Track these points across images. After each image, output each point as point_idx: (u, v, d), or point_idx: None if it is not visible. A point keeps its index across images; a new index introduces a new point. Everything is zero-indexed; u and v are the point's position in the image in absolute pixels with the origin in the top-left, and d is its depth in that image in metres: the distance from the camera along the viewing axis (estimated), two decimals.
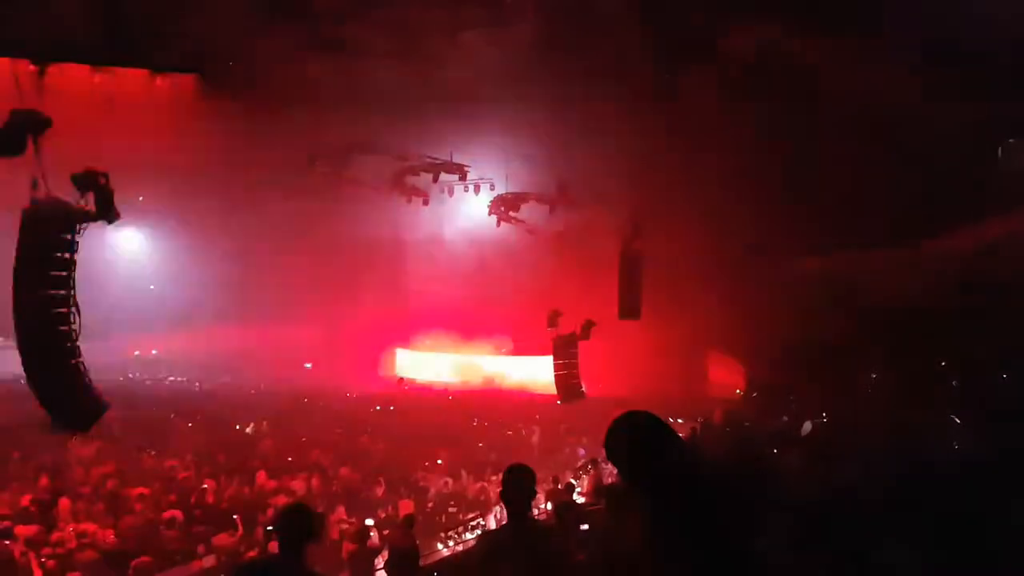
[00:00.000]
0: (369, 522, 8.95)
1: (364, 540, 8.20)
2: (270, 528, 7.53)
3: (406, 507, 10.41)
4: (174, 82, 16.02)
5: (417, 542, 8.77)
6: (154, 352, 28.75)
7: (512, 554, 3.63)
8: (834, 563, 4.38)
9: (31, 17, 9.57)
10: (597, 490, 11.48)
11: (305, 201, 22.06)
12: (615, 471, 13.21)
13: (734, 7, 13.70)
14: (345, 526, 9.60)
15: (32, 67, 12.51)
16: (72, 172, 7.51)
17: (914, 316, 14.10)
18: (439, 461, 14.61)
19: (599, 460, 13.10)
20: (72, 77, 15.07)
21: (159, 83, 16.49)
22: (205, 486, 11.14)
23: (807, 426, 13.70)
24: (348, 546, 8.43)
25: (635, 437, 2.47)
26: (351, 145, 17.14)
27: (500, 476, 11.95)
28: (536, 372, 23.91)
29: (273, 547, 5.66)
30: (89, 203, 7.47)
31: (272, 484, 11.80)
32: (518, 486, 3.82)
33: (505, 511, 4.01)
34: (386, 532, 9.16)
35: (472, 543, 9.67)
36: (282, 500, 10.34)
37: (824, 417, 13.99)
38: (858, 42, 12.87)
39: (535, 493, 3.92)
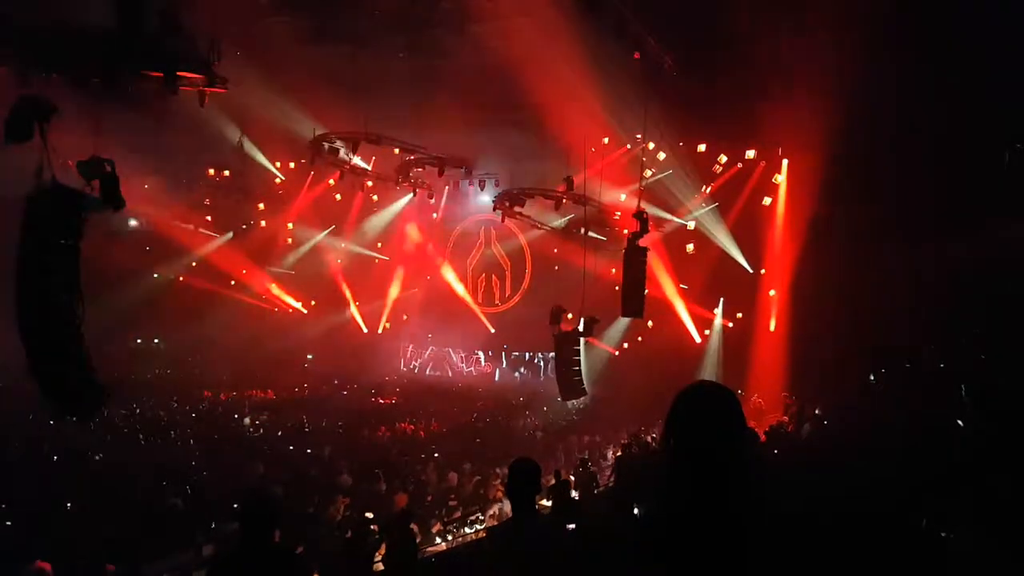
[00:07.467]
0: (369, 515, 8.96)
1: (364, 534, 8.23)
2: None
3: (404, 501, 10.42)
4: None
5: (416, 536, 8.79)
6: (155, 341, 28.80)
7: (517, 550, 3.62)
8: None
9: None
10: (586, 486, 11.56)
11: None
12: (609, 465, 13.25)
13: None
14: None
15: None
16: (78, 159, 7.50)
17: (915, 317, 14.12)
18: (436, 455, 14.65)
19: (588, 460, 13.17)
20: None
21: None
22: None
23: (806, 428, 13.76)
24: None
25: (718, 406, 2.39)
26: (357, 135, 17.10)
27: (498, 471, 11.95)
28: None
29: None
30: (94, 190, 7.45)
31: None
32: (523, 479, 3.80)
33: (509, 505, 4.02)
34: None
35: (472, 538, 9.71)
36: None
37: (824, 420, 14.02)
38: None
39: (540, 488, 3.90)
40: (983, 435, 8.32)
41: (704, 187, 19.39)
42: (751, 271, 18.92)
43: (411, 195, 22.22)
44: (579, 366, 14.82)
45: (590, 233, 17.76)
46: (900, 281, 14.31)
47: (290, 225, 26.12)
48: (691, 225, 20.07)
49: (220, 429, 16.79)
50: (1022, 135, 12.59)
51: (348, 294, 27.28)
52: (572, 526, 7.28)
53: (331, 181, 22.96)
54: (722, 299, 19.98)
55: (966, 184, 13.23)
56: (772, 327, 18.39)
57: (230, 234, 25.93)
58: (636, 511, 9.23)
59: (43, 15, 8.83)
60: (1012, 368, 10.59)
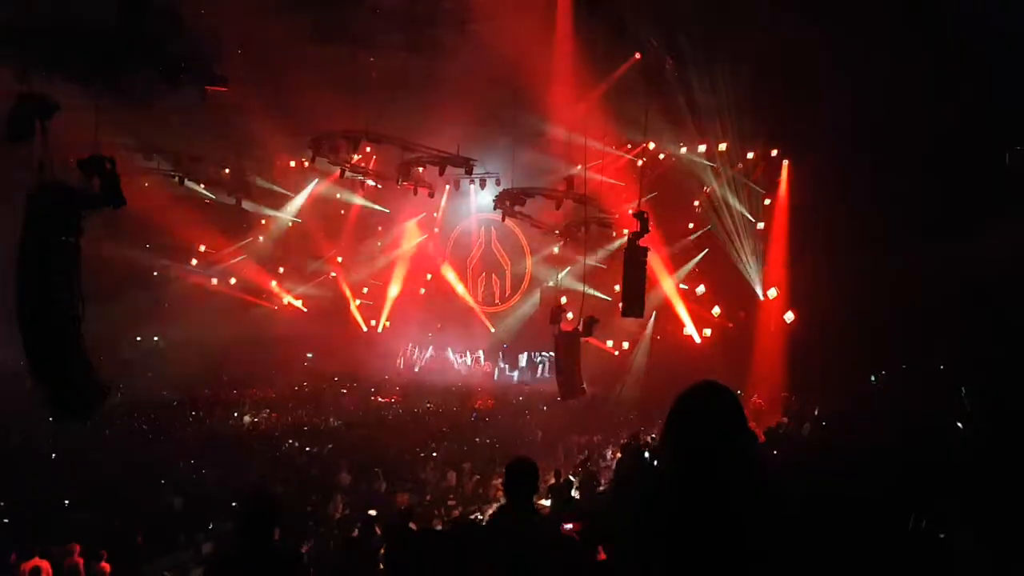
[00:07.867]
0: (372, 513, 8.97)
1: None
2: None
3: (405, 500, 10.43)
4: None
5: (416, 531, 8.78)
6: (156, 339, 28.77)
7: (514, 549, 3.62)
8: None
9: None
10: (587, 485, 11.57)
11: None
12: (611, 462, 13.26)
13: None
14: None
15: None
16: (78, 157, 7.49)
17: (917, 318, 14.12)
18: (435, 454, 14.65)
19: (588, 460, 13.19)
20: None
21: None
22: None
23: (806, 428, 13.77)
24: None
25: (719, 406, 2.37)
26: (357, 134, 17.06)
27: (498, 471, 11.97)
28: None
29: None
30: (95, 188, 7.43)
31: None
32: (521, 479, 3.80)
33: (507, 504, 4.01)
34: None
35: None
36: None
37: (824, 420, 14.03)
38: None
39: (538, 487, 3.90)
40: (983, 435, 8.32)
41: (705, 187, 19.39)
42: (751, 271, 18.91)
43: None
44: (579, 366, 14.77)
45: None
46: (900, 281, 14.31)
47: (290, 224, 26.12)
48: (691, 224, 20.08)
49: (220, 428, 16.80)
50: (1023, 136, 12.59)
51: (348, 293, 27.30)
52: (570, 526, 7.28)
53: (331, 181, 22.95)
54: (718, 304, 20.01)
55: (967, 185, 13.22)
56: (772, 327, 18.39)
57: (230, 233, 25.94)
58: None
59: (43, 15, 8.83)
60: (1012, 368, 10.59)
